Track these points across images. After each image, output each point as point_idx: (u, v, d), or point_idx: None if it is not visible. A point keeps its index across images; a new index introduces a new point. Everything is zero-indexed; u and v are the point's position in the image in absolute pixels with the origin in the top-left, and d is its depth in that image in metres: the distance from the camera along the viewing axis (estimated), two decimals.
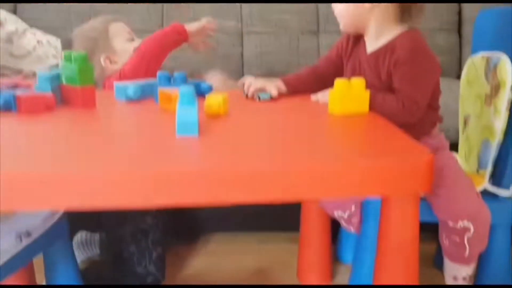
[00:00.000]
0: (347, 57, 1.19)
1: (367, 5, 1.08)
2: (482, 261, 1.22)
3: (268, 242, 1.72)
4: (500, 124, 1.16)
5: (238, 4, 2.32)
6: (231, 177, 0.68)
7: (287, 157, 0.75)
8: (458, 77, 1.51)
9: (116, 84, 1.14)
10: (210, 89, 1.17)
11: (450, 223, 1.11)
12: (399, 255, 0.82)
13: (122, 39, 1.54)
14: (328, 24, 2.33)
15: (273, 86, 1.17)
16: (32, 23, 2.17)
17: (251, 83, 1.18)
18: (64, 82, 1.07)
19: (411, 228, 0.80)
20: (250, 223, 1.73)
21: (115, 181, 0.66)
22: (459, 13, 2.40)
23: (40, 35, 2.02)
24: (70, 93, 1.06)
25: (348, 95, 1.01)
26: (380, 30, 1.10)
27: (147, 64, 1.40)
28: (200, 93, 1.13)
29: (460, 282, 1.20)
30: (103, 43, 1.53)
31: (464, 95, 1.37)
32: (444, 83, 1.16)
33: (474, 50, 1.34)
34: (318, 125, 0.98)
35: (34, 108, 0.98)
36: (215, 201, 0.68)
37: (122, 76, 1.39)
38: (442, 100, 1.14)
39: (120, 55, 1.54)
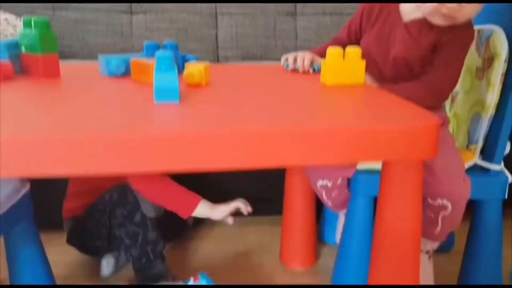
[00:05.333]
0: (371, 24, 1.14)
1: None
2: (473, 235, 1.18)
3: (250, 226, 1.67)
4: (493, 98, 1.11)
5: None
6: (219, 139, 0.60)
7: (278, 119, 0.67)
8: None
9: (100, 56, 1.02)
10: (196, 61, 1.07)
11: (429, 200, 1.08)
12: (400, 228, 0.76)
13: None
14: (305, 6, 2.26)
15: (320, 59, 1.11)
16: None
17: (303, 56, 1.12)
18: (23, 50, 0.96)
19: (413, 197, 0.73)
20: None
21: (93, 144, 0.57)
22: None
23: None
24: (31, 62, 0.95)
25: (342, 64, 0.94)
26: None
27: None
28: (184, 64, 1.04)
29: (423, 255, 1.18)
30: None
31: None
32: None
33: None
34: (309, 93, 0.90)
35: None
36: (200, 167, 0.60)
37: None
38: None
39: None
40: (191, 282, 1.10)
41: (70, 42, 2.13)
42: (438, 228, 1.12)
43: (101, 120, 0.64)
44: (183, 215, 1.28)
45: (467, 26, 1.05)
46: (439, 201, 1.07)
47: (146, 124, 0.63)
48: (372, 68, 1.10)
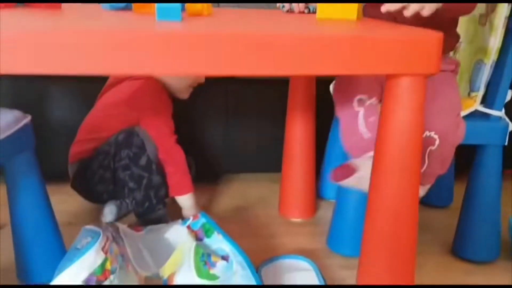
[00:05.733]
0: None
1: None
2: (473, 180, 1.19)
3: (250, 182, 1.69)
4: (495, 43, 1.11)
5: None
6: (223, 41, 0.60)
7: (283, 29, 0.67)
8: None
9: None
10: None
11: None
12: (401, 143, 0.75)
13: None
14: None
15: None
16: None
17: None
18: None
19: (416, 110, 0.73)
20: (233, 165, 1.68)
21: (93, 41, 0.57)
22: None
23: None
24: None
25: None
26: None
27: None
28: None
29: None
30: None
31: None
32: None
33: None
34: (308, 23, 0.90)
35: None
36: (202, 70, 0.60)
37: None
38: None
39: None
40: (190, 220, 1.11)
41: None
42: (425, 166, 1.07)
43: (100, 23, 0.64)
44: (170, 192, 1.31)
45: None
46: (427, 133, 1.04)
47: (147, 27, 0.64)
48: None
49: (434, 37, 0.67)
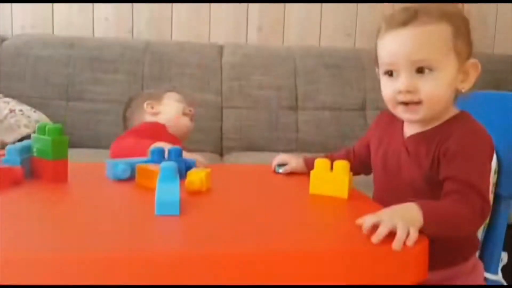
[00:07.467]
0: (378, 141, 1.03)
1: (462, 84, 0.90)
2: None
3: None
4: None
5: (219, 78, 2.35)
6: (214, 259, 0.62)
7: (271, 239, 0.70)
8: None
9: (108, 161, 1.07)
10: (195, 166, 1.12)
11: None
12: None
13: (173, 99, 1.69)
14: (307, 101, 2.37)
15: (294, 162, 1.16)
16: (7, 93, 2.13)
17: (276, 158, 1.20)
18: (35, 155, 1.02)
19: None
20: None
21: (90, 263, 0.60)
22: None
23: (13, 104, 1.98)
24: (41, 167, 1.00)
25: (328, 176, 0.97)
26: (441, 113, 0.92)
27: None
28: (187, 169, 1.07)
29: None
30: (155, 97, 1.69)
31: None
32: None
33: None
34: (300, 205, 0.93)
35: None
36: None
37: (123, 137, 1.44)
38: None
39: (164, 107, 1.66)
40: None
41: (82, 132, 2.22)
42: None
43: (99, 241, 0.67)
44: None
45: (468, 121, 0.91)
46: None
47: (144, 245, 0.66)
48: (388, 195, 0.98)
49: (421, 244, 0.69)
